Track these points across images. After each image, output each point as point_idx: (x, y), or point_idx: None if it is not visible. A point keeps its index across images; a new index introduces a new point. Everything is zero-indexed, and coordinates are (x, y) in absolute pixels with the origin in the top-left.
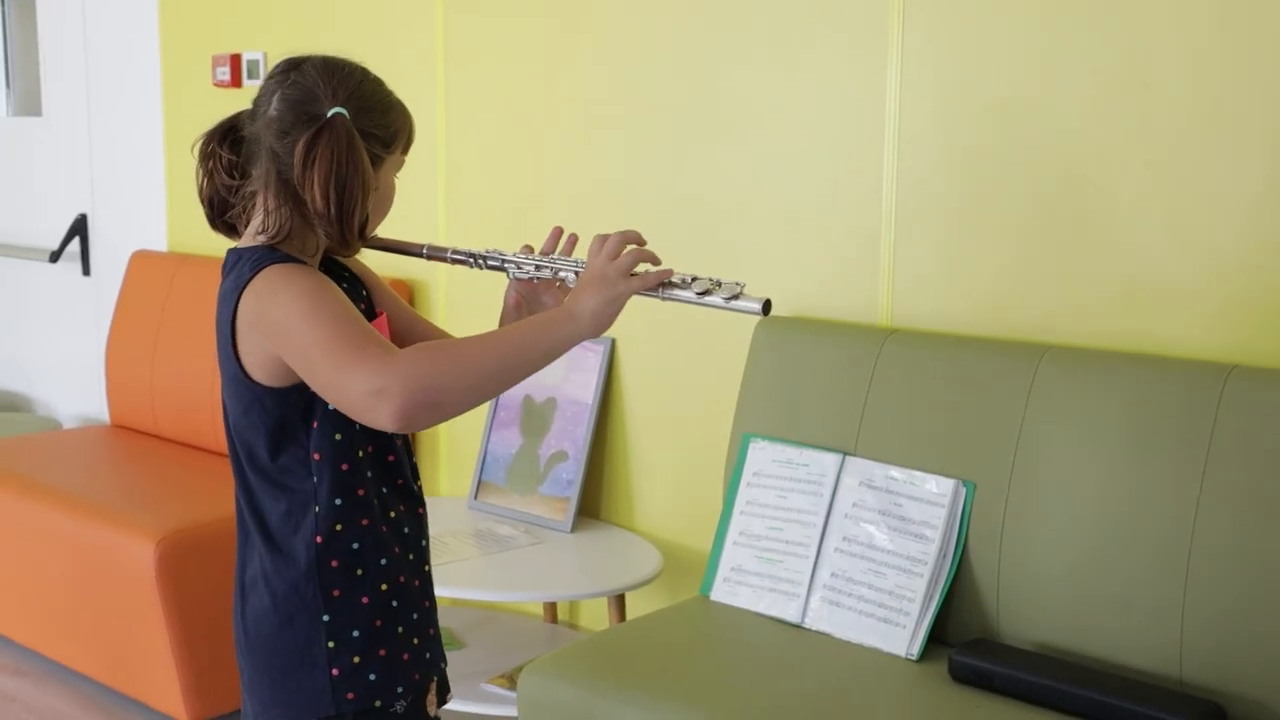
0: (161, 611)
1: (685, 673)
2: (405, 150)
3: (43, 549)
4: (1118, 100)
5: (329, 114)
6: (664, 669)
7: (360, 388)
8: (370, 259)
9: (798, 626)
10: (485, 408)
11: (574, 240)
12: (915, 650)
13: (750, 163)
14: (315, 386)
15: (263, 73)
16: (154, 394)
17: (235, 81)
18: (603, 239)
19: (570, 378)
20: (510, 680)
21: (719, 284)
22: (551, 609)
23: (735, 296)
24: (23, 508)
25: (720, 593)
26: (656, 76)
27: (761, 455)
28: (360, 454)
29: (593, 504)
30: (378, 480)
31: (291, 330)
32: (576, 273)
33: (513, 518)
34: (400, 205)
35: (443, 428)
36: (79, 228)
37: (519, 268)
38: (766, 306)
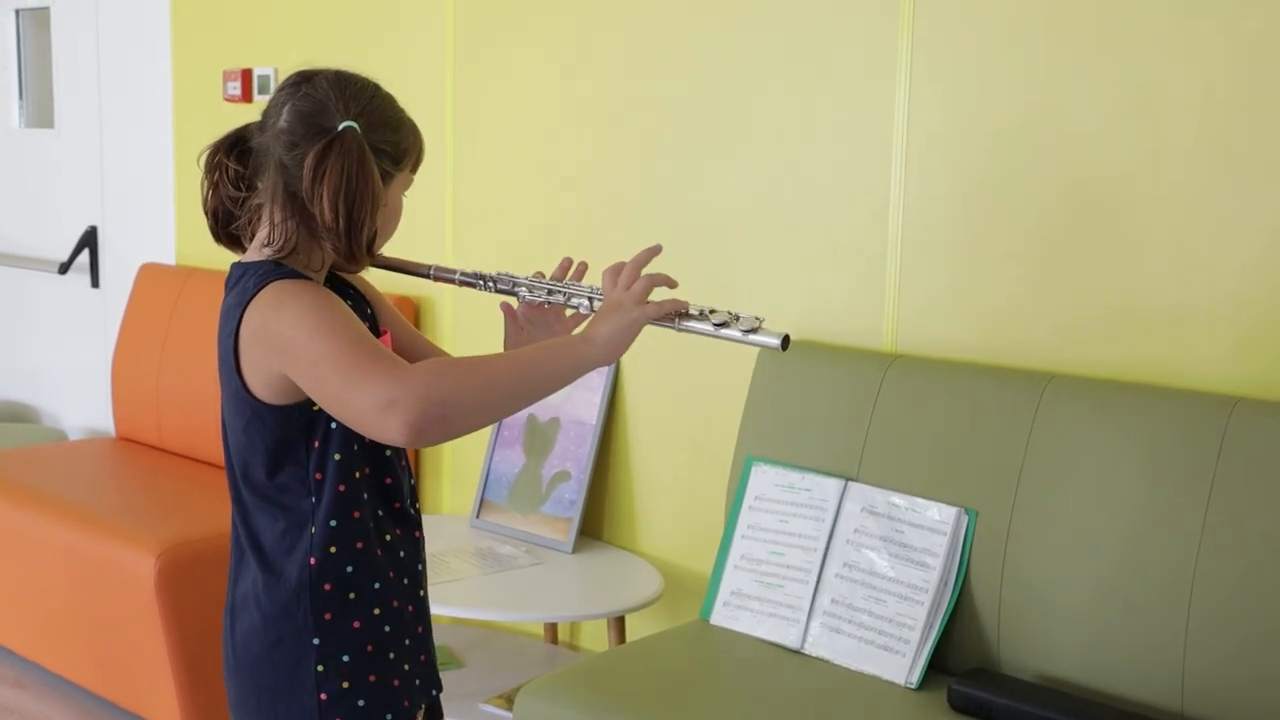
0: (161, 625)
1: (683, 697)
2: (414, 169)
3: (44, 560)
4: (1127, 129)
5: (340, 127)
6: (662, 692)
7: (371, 400)
8: (374, 276)
9: (797, 652)
10: (489, 427)
11: (584, 268)
12: (915, 679)
13: (758, 184)
14: (323, 401)
15: (273, 88)
16: (159, 407)
17: (246, 96)
18: (618, 268)
19: (574, 398)
20: (508, 701)
21: (737, 317)
22: (551, 629)
23: (754, 330)
24: (25, 518)
25: (720, 616)
26: (665, 97)
27: (764, 479)
28: (357, 475)
29: (594, 525)
30: (374, 503)
31: (299, 345)
32: (589, 298)
33: (514, 537)
34: (407, 222)
35: (446, 446)
36: (88, 240)
37: (530, 291)
38: (785, 342)
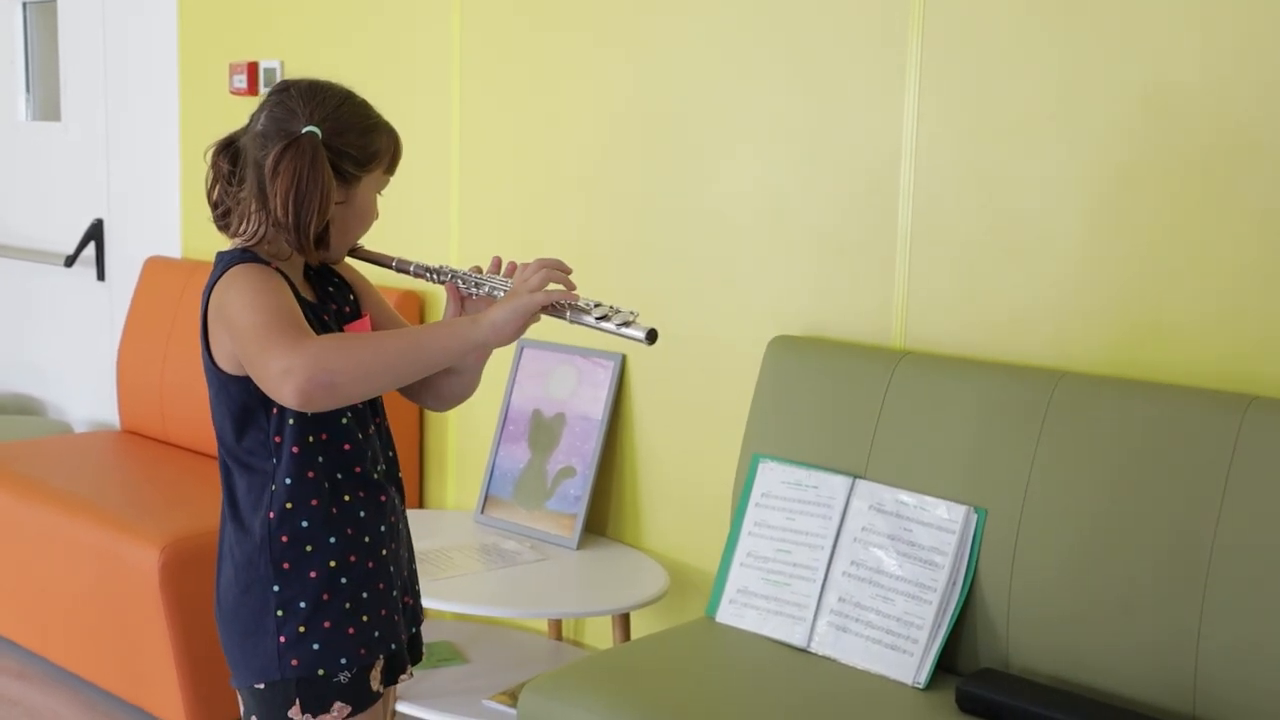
0: (165, 618)
1: (688, 695)
2: (389, 170)
3: (48, 552)
4: (1137, 124)
5: (301, 132)
6: (667, 690)
7: (274, 367)
8: (377, 272)
9: (803, 651)
10: (494, 421)
11: (513, 266)
12: (922, 679)
13: (766, 180)
14: (248, 369)
15: (279, 81)
16: (164, 400)
17: (252, 89)
18: (525, 264)
19: (580, 393)
20: (512, 697)
21: (616, 310)
22: (556, 626)
23: (627, 324)
24: (30, 511)
25: (726, 614)
26: (673, 93)
27: (771, 476)
28: (311, 439)
29: (600, 521)
30: (330, 465)
31: (235, 319)
32: (505, 291)
33: (519, 533)
34: (414, 218)
35: (451, 440)
36: (94, 233)
37: (463, 283)
38: (651, 336)
